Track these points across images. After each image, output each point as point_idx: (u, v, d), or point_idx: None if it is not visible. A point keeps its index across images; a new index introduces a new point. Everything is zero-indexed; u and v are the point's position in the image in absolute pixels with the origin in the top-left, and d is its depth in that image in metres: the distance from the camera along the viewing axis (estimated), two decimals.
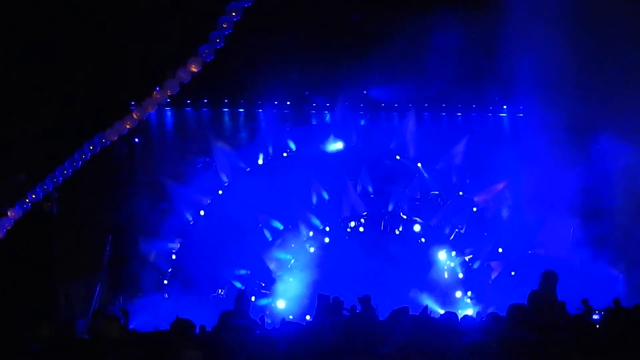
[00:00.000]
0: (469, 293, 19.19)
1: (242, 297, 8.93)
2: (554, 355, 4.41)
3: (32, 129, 15.76)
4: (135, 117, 14.71)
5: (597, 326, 6.50)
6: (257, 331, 8.59)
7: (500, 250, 19.21)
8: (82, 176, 16.18)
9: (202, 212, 19.26)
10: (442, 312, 15.39)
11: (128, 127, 14.67)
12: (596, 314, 8.48)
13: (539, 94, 16.20)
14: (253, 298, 18.58)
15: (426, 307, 13.28)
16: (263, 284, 18.86)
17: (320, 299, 11.31)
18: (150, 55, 16.11)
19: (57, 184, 14.62)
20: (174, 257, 18.81)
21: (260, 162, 19.76)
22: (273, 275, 19.01)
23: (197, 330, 11.76)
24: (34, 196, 14.62)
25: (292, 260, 19.03)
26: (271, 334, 8.80)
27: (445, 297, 18.60)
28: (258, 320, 11.12)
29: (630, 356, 5.14)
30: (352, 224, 19.46)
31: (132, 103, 15.57)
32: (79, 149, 14.84)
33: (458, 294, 19.07)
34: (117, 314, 12.58)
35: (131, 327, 12.38)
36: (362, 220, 19.73)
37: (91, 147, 14.80)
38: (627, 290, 17.97)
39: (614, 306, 12.58)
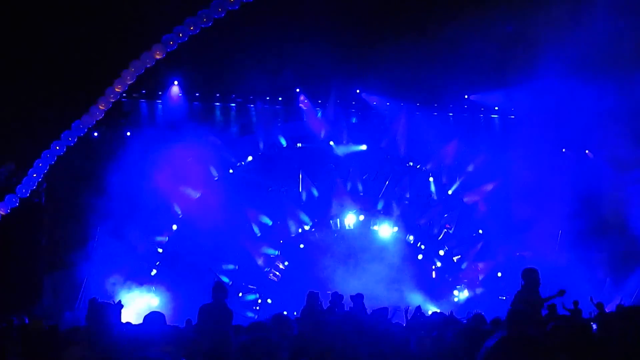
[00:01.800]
0: (457, 292, 19.29)
1: (218, 288, 8.75)
2: (540, 354, 4.41)
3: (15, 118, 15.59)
4: (101, 107, 14.70)
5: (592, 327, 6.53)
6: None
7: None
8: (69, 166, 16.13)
9: (191, 207, 19.17)
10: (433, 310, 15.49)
11: (98, 114, 14.67)
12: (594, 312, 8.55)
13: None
14: (240, 294, 18.59)
15: (419, 307, 13.32)
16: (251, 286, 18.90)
17: (310, 296, 11.27)
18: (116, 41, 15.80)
19: (44, 171, 14.58)
20: (160, 250, 18.70)
21: (250, 158, 19.69)
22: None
23: (184, 324, 11.77)
24: (24, 190, 14.63)
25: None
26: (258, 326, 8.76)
27: (435, 295, 18.69)
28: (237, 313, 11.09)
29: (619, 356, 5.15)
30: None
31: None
32: (57, 140, 14.81)
33: (457, 292, 19.19)
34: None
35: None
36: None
37: (70, 138, 14.81)
38: (613, 293, 18.08)
39: (598, 310, 12.64)
